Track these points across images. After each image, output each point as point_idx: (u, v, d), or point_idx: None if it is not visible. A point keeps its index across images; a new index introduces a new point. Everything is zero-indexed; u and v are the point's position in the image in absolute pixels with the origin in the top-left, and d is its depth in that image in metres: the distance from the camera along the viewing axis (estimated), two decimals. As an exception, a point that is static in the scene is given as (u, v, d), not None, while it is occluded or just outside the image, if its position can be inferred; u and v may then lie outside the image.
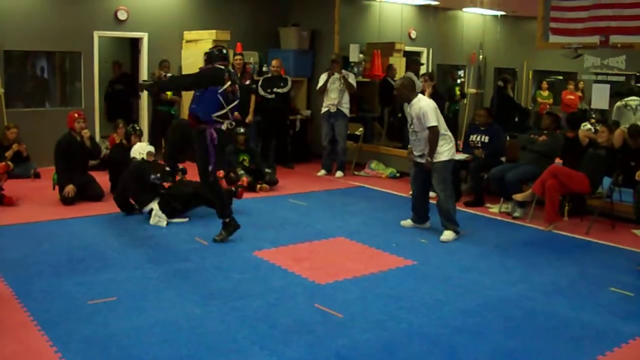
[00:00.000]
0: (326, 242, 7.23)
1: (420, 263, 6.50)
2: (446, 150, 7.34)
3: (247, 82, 11.06)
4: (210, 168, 6.88)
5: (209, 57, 6.95)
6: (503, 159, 9.17)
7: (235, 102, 6.85)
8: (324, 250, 6.92)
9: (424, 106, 7.22)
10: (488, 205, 8.95)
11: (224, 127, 6.81)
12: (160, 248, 6.81)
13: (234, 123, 7.06)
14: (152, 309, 5.16)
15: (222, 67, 6.81)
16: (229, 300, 5.37)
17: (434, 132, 7.20)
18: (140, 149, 8.28)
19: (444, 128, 7.35)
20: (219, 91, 6.67)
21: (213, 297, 5.45)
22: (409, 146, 7.63)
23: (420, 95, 7.45)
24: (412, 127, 7.41)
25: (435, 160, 7.31)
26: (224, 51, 6.99)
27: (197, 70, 7.10)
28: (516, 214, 8.43)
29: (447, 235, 7.41)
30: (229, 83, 6.70)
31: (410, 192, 9.40)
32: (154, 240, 7.07)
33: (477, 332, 4.89)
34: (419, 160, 7.50)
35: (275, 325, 4.90)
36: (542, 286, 5.95)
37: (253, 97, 11.10)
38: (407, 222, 7.88)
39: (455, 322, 5.07)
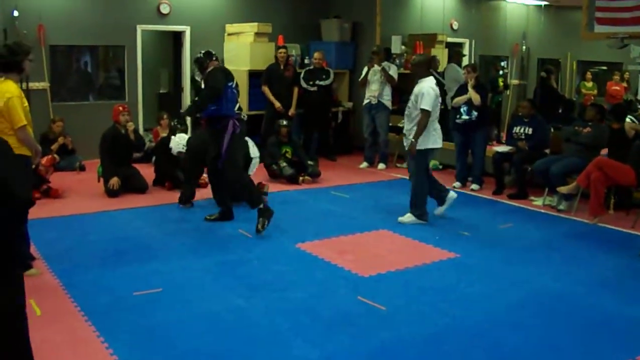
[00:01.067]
0: (369, 234, 7.23)
1: (463, 256, 6.46)
2: (425, 140, 7.35)
3: (289, 74, 11.10)
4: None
5: (202, 62, 7.36)
6: (547, 151, 9.07)
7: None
8: (367, 242, 6.92)
9: (425, 87, 7.26)
10: (532, 198, 8.87)
11: (243, 116, 7.38)
12: (204, 240, 6.87)
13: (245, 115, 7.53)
14: (196, 300, 5.22)
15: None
16: (272, 292, 5.41)
17: (424, 115, 7.23)
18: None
19: (435, 117, 7.39)
20: (233, 86, 7.19)
21: (256, 289, 5.49)
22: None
23: (430, 79, 7.42)
24: (409, 102, 7.45)
25: (419, 148, 7.36)
26: (212, 52, 7.43)
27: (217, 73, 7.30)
28: (561, 207, 8.34)
29: (406, 217, 7.59)
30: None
31: (454, 185, 9.41)
32: (197, 232, 7.13)
33: (520, 326, 4.86)
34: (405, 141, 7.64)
35: (318, 317, 4.92)
36: (586, 280, 5.89)
37: (295, 90, 11.12)
38: (438, 210, 7.92)
39: (499, 316, 5.04)
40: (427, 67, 7.54)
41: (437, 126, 7.48)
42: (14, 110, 5.24)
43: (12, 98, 5.26)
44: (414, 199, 7.59)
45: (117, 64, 11.59)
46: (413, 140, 7.31)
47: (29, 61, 5.52)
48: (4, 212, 2.74)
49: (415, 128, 7.30)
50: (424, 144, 7.34)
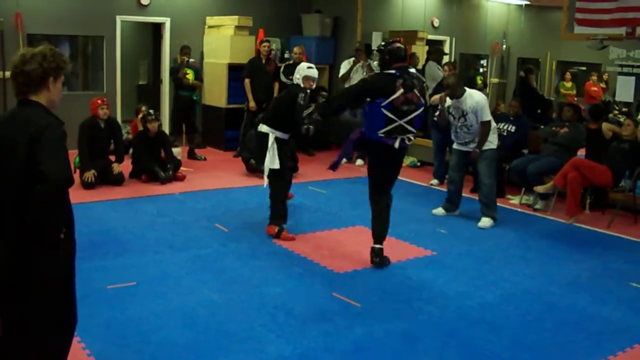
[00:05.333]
0: (345, 230, 7.22)
1: (439, 254, 6.47)
2: (495, 140, 7.61)
3: (271, 69, 11.05)
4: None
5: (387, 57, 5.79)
6: (525, 150, 9.09)
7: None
8: (343, 238, 6.90)
9: (481, 101, 7.43)
10: (509, 196, 8.89)
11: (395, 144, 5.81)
12: (180, 234, 6.83)
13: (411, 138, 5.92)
14: (171, 294, 5.18)
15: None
16: (247, 288, 5.38)
17: (488, 126, 7.43)
18: None
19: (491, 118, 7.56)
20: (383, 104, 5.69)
21: (232, 284, 5.46)
22: None
23: (470, 90, 7.57)
24: (461, 120, 7.47)
25: (485, 148, 7.49)
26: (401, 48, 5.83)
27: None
28: (537, 206, 8.38)
29: (485, 222, 7.55)
30: (400, 91, 5.67)
31: (432, 182, 9.43)
32: (173, 226, 7.08)
33: (495, 325, 4.88)
34: (464, 149, 7.67)
35: (293, 313, 4.91)
36: (561, 280, 5.91)
37: (276, 84, 11.09)
38: (440, 211, 7.94)
39: (474, 314, 5.05)
40: (462, 82, 7.67)
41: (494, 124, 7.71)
42: None
43: None
44: (490, 202, 7.62)
45: (96, 55, 11.48)
46: (478, 150, 7.46)
47: None
48: (42, 192, 2.96)
49: (475, 138, 7.51)
50: (494, 143, 7.60)
